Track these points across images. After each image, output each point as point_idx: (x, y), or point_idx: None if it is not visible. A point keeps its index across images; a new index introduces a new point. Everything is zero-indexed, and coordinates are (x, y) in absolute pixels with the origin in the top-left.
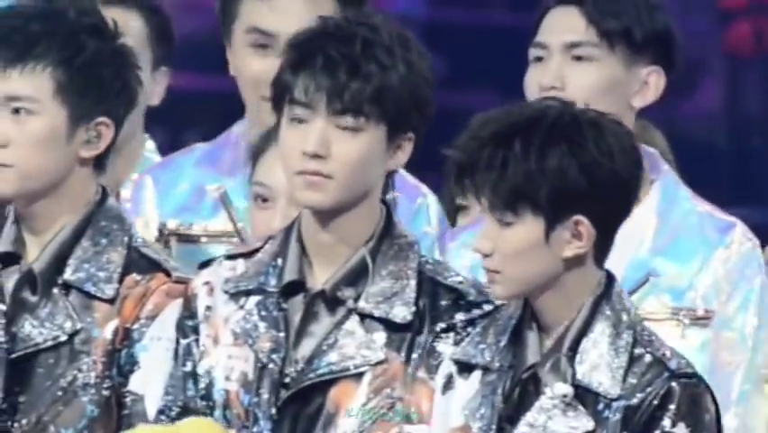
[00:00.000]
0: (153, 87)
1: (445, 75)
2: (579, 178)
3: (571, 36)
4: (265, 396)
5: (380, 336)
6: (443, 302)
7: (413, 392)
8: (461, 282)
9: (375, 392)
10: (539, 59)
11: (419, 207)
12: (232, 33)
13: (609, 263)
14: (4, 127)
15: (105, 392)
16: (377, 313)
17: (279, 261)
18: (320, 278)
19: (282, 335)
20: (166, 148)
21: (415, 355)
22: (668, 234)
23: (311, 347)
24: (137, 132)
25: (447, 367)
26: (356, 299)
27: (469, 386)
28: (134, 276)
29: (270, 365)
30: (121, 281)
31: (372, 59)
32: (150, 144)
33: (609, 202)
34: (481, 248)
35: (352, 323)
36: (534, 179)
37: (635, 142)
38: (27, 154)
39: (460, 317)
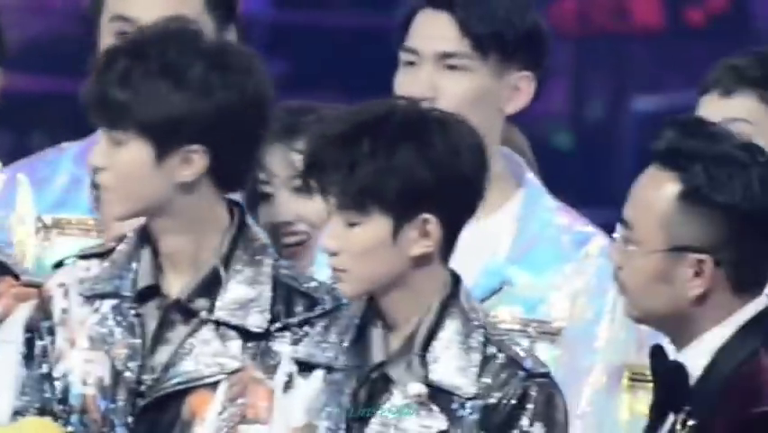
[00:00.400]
0: None
1: (290, 76)
2: (427, 176)
3: (444, 46)
4: (121, 403)
5: (236, 345)
6: (298, 308)
7: (249, 393)
8: (315, 289)
9: (230, 400)
10: (410, 63)
11: None
12: (100, 27)
13: (464, 267)
14: None
15: None
16: (232, 321)
17: (134, 264)
18: (174, 283)
19: (138, 342)
20: (12, 149)
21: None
22: (525, 243)
23: (167, 355)
24: None
25: (287, 366)
26: (211, 309)
27: (311, 385)
28: None
29: (127, 373)
30: None
31: None
32: None
33: (457, 201)
34: (328, 247)
35: (208, 331)
36: (382, 177)
37: (481, 141)
38: None
39: (297, 317)
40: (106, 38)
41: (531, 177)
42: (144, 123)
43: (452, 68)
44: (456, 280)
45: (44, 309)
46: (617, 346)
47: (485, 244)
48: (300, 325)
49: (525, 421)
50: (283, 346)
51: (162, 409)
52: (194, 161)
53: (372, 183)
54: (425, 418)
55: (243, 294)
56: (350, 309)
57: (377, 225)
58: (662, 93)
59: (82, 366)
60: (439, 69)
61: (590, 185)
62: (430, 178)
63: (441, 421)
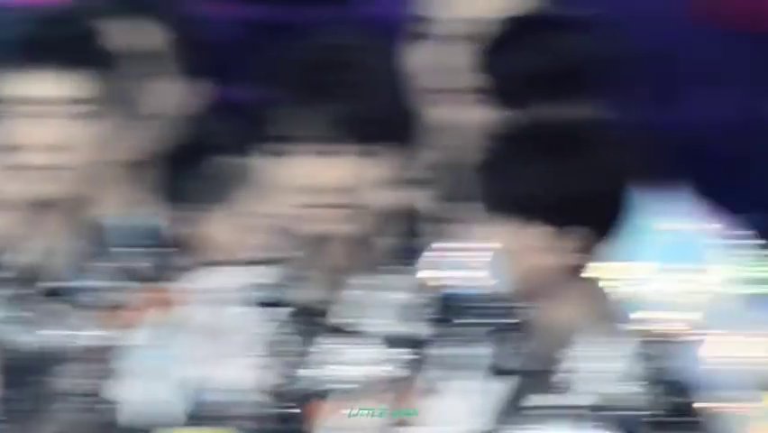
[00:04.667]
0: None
1: None
2: (581, 192)
3: None
4: (267, 410)
5: (379, 351)
6: (437, 314)
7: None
8: (450, 292)
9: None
10: None
11: None
12: None
13: None
14: None
15: None
16: (375, 328)
17: (304, 274)
18: (314, 294)
19: (298, 349)
20: None
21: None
22: (656, 248)
23: (313, 363)
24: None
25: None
26: (351, 315)
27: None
28: (125, 285)
29: (286, 379)
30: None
31: None
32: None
33: (606, 215)
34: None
35: (349, 339)
36: (549, 190)
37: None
38: None
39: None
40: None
41: None
42: None
43: None
44: None
45: (171, 317)
46: None
47: None
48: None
49: None
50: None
51: (300, 419)
52: None
53: (538, 195)
54: None
55: (383, 300)
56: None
57: (538, 233)
58: None
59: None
60: None
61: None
62: (584, 194)
63: None
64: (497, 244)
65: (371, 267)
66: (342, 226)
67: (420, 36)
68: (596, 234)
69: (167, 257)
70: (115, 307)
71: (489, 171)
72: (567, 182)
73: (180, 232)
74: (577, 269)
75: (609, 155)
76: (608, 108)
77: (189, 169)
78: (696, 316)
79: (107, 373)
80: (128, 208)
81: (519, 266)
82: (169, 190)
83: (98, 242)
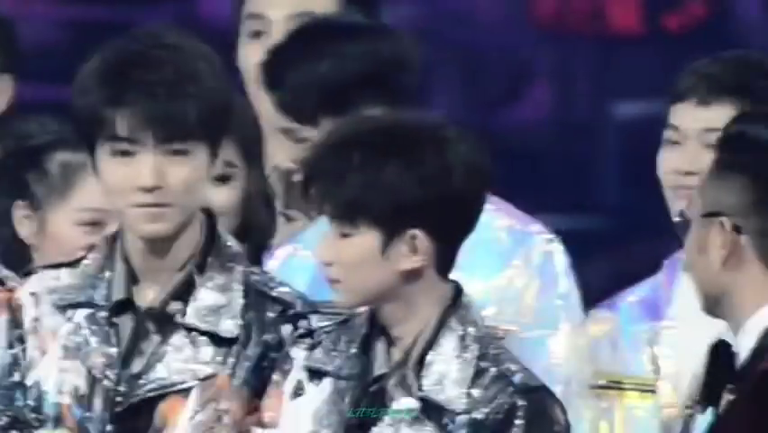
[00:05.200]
0: None
1: None
2: (415, 193)
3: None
4: (98, 412)
5: (207, 351)
6: (270, 314)
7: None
8: (287, 293)
9: (202, 406)
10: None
11: None
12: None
13: None
14: None
15: None
16: (203, 327)
17: (107, 274)
18: (148, 294)
19: (114, 350)
20: None
21: (241, 369)
22: (464, 250)
23: (141, 363)
24: None
25: (297, 373)
26: (183, 314)
27: (319, 393)
28: None
29: (104, 381)
30: None
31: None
32: None
33: (449, 218)
34: (322, 256)
35: (180, 338)
36: (370, 192)
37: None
38: None
39: (317, 323)
40: (242, 37)
41: None
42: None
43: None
44: (458, 293)
45: (14, 318)
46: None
47: None
48: (321, 332)
49: None
50: (299, 353)
51: (137, 417)
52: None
53: (360, 197)
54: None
55: (215, 300)
56: (360, 318)
57: (366, 238)
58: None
59: (57, 375)
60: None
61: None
62: (419, 194)
63: None
64: (331, 254)
65: (205, 266)
66: (163, 225)
67: (250, 34)
68: (443, 235)
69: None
70: None
71: (325, 177)
72: (399, 183)
73: (21, 230)
74: (416, 272)
75: (451, 156)
76: (419, 111)
77: (29, 167)
78: (524, 313)
79: None
80: None
81: (358, 276)
82: (10, 190)
83: None
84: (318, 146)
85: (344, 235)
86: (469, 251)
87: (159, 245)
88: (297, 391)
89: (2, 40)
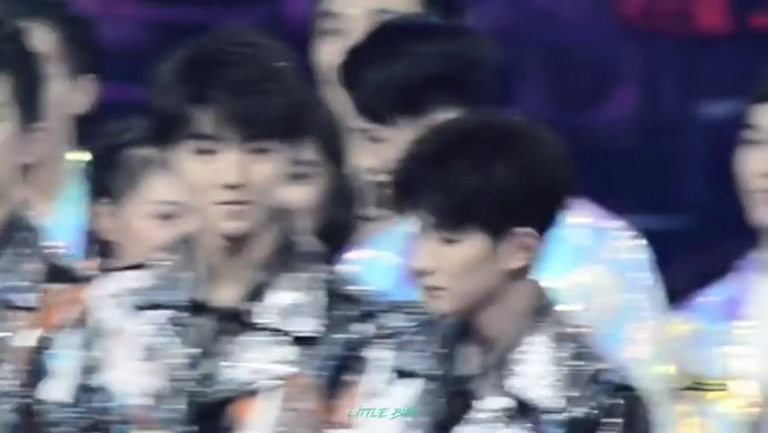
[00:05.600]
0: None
1: None
2: (522, 190)
3: None
4: (178, 412)
5: (286, 350)
6: (349, 314)
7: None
8: (366, 293)
9: (282, 407)
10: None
11: None
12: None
13: None
14: None
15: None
16: (282, 327)
17: (186, 274)
18: (227, 295)
19: (194, 351)
20: None
21: (319, 369)
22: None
23: (220, 364)
24: (61, 143)
25: (381, 374)
26: (261, 314)
27: (407, 394)
28: (54, 286)
29: (183, 382)
30: (41, 291)
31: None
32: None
33: (549, 212)
34: (424, 266)
35: (258, 338)
36: (479, 194)
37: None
38: None
39: (400, 324)
40: (319, 35)
41: None
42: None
43: None
44: (543, 291)
45: (90, 319)
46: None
47: None
48: (403, 333)
49: None
50: (384, 354)
51: (216, 417)
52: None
53: (469, 201)
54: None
55: (294, 300)
56: (446, 319)
57: (475, 242)
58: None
59: (136, 376)
60: None
61: (657, 190)
62: (525, 191)
63: None
64: (434, 262)
65: (282, 266)
66: (244, 223)
67: (328, 32)
68: (543, 231)
69: (89, 256)
70: (39, 307)
71: (426, 186)
72: (507, 182)
73: (100, 227)
74: (520, 271)
75: (546, 152)
76: (502, 111)
77: (107, 164)
78: (604, 312)
79: (35, 374)
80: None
81: (466, 281)
82: (96, 189)
83: (24, 242)
84: (410, 155)
85: (449, 241)
86: (551, 248)
87: (237, 244)
88: (382, 392)
89: (85, 40)
